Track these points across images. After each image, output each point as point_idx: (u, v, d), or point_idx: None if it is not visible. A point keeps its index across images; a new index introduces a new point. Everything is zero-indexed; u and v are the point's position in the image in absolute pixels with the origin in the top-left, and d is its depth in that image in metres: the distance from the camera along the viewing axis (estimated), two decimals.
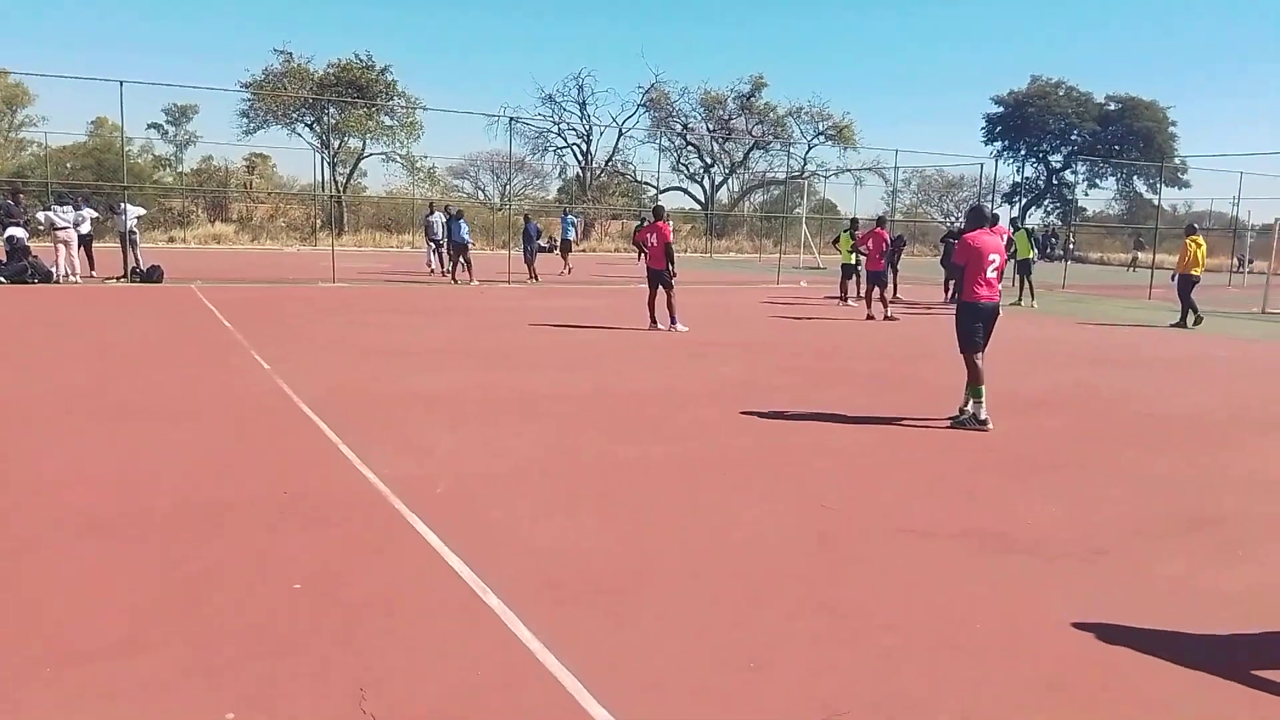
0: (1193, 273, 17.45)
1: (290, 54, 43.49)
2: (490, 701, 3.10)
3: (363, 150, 46.04)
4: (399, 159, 45.99)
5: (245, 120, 43.97)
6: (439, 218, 23.92)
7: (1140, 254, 41.92)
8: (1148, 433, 7.88)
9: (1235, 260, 39.01)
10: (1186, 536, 5.13)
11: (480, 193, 54.81)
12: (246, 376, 8.98)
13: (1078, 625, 3.88)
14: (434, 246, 23.94)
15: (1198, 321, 17.31)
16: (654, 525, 5.00)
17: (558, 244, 25.51)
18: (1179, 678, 3.44)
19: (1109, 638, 3.77)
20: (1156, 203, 43.27)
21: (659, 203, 16.01)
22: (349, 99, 40.97)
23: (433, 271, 23.70)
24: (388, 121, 44.68)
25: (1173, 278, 17.95)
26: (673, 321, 13.89)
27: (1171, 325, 17.52)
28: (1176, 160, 55.30)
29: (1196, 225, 19.11)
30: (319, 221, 41.39)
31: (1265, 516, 5.55)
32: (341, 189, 44.93)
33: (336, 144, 44.41)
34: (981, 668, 3.47)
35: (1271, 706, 3.26)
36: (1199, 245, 17.46)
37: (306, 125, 44.31)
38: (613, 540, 4.74)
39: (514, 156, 46.45)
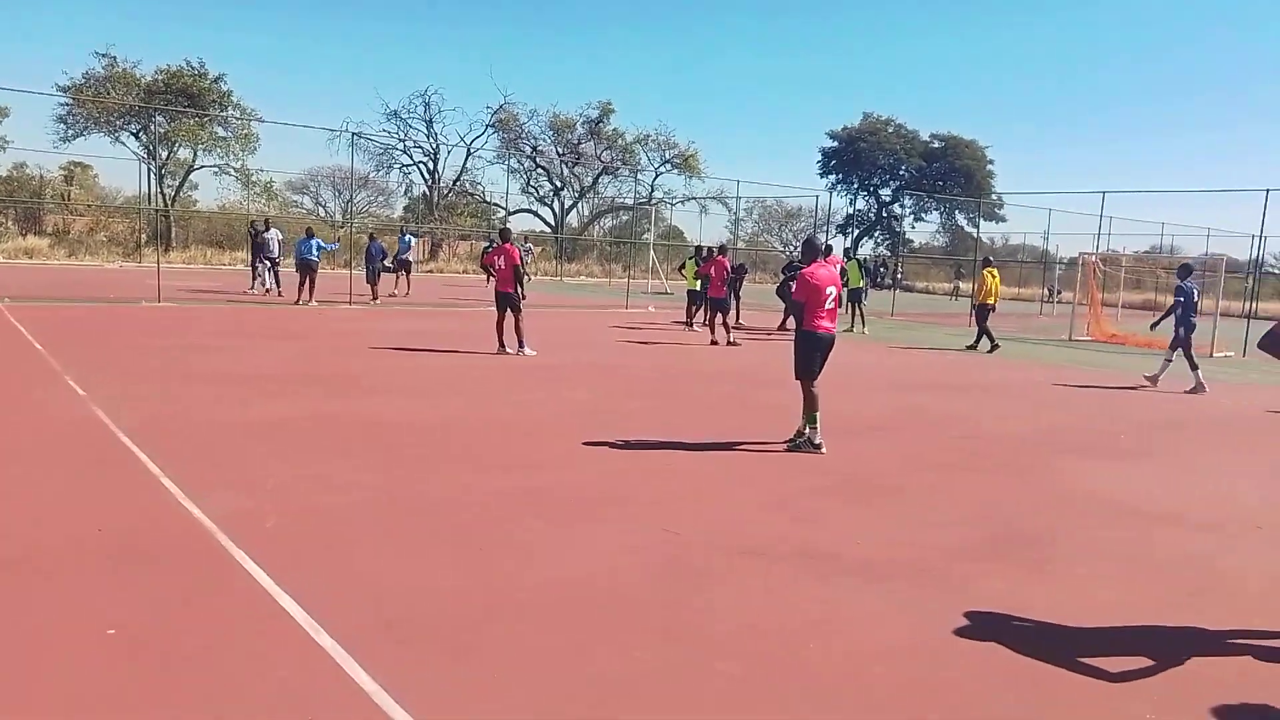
0: (988, 301, 18.96)
1: (114, 57, 40.95)
2: None
3: (193, 162, 43.80)
4: (233, 172, 44.02)
5: (63, 126, 41.04)
6: (274, 235, 23.09)
7: (961, 283, 44.71)
8: (969, 455, 8.39)
9: (1045, 290, 42.21)
10: (1005, 555, 5.48)
11: (321, 209, 53.11)
12: (59, 404, 8.34)
13: (907, 646, 4.07)
14: (269, 265, 23.01)
15: (993, 348, 18.61)
16: (499, 559, 4.94)
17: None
18: (1007, 695, 3.66)
19: (935, 656, 3.97)
20: (976, 235, 46.34)
21: (505, 225, 15.97)
22: (179, 108, 38.87)
23: (268, 291, 22.75)
24: (221, 133, 42.69)
25: (972, 306, 19.37)
26: (520, 345, 13.81)
27: (966, 348, 19.04)
28: (994, 196, 59.46)
29: (992, 258, 21.02)
30: (144, 236, 38.93)
31: (1074, 534, 6.00)
32: (170, 202, 42.51)
33: (165, 155, 42.02)
34: (817, 692, 3.59)
35: (1084, 715, 3.51)
36: (994, 276, 19.10)
37: (132, 134, 41.72)
38: (455, 575, 4.65)
39: (357, 173, 45.26)
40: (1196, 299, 14.32)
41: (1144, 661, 4.03)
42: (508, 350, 13.81)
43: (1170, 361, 14.40)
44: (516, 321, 13.78)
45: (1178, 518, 6.49)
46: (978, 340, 19.05)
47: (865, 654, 3.96)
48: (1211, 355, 20.74)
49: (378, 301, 22.65)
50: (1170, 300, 14.83)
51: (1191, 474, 8.13)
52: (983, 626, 4.33)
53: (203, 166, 44.20)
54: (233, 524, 5.15)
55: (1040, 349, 17.15)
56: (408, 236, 27.10)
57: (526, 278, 31.44)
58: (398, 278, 25.23)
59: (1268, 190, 21.82)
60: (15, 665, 3.45)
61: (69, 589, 4.19)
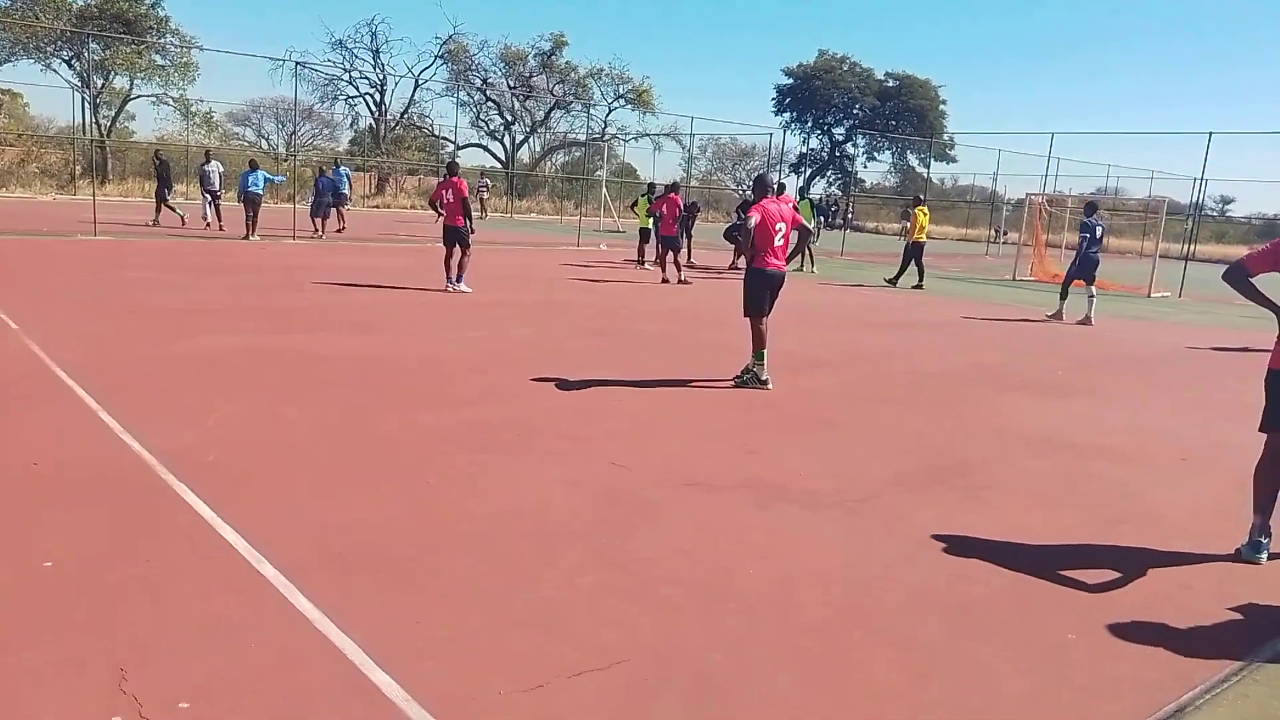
0: (920, 239, 19.60)
1: None
2: (266, 676, 3.01)
3: (130, 91, 42.14)
4: (171, 102, 42.54)
5: None
6: (215, 167, 22.43)
7: (908, 224, 45.06)
8: (910, 390, 8.57)
9: (993, 231, 42.74)
10: (940, 485, 5.64)
11: (264, 141, 51.56)
12: None
13: (840, 571, 4.21)
14: (210, 198, 22.40)
15: (919, 285, 19.36)
16: (443, 491, 4.97)
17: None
18: (932, 618, 3.81)
19: (870, 582, 4.11)
20: (926, 176, 46.61)
21: (454, 159, 15.63)
22: (114, 34, 37.25)
23: (208, 225, 22.18)
24: (159, 61, 41.05)
25: (904, 242, 20.29)
26: (458, 280, 13.66)
27: (886, 280, 19.85)
28: (946, 137, 59.71)
29: (922, 196, 21.85)
30: (79, 168, 37.61)
31: (1007, 466, 6.19)
32: (105, 133, 40.98)
33: (100, 83, 40.37)
34: (752, 614, 3.70)
35: (1021, 641, 3.67)
36: (925, 215, 19.78)
37: (64, 61, 39.92)
38: (399, 509, 4.67)
39: (300, 104, 43.93)
40: (1100, 235, 15.08)
41: (1068, 584, 4.21)
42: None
43: (1093, 297, 15.05)
44: (463, 256, 13.61)
45: (1107, 450, 6.72)
46: (899, 274, 19.83)
47: (799, 579, 4.08)
48: (1149, 295, 21.29)
49: (321, 236, 22.27)
50: (1107, 241, 15.41)
51: (1122, 409, 8.39)
52: (914, 553, 4.48)
53: (140, 96, 42.62)
54: (173, 458, 5.10)
55: (984, 288, 17.46)
56: (343, 169, 25.93)
57: (479, 214, 30.71)
58: (339, 213, 24.42)
59: (1210, 133, 22.21)
60: None
61: (5, 522, 4.14)
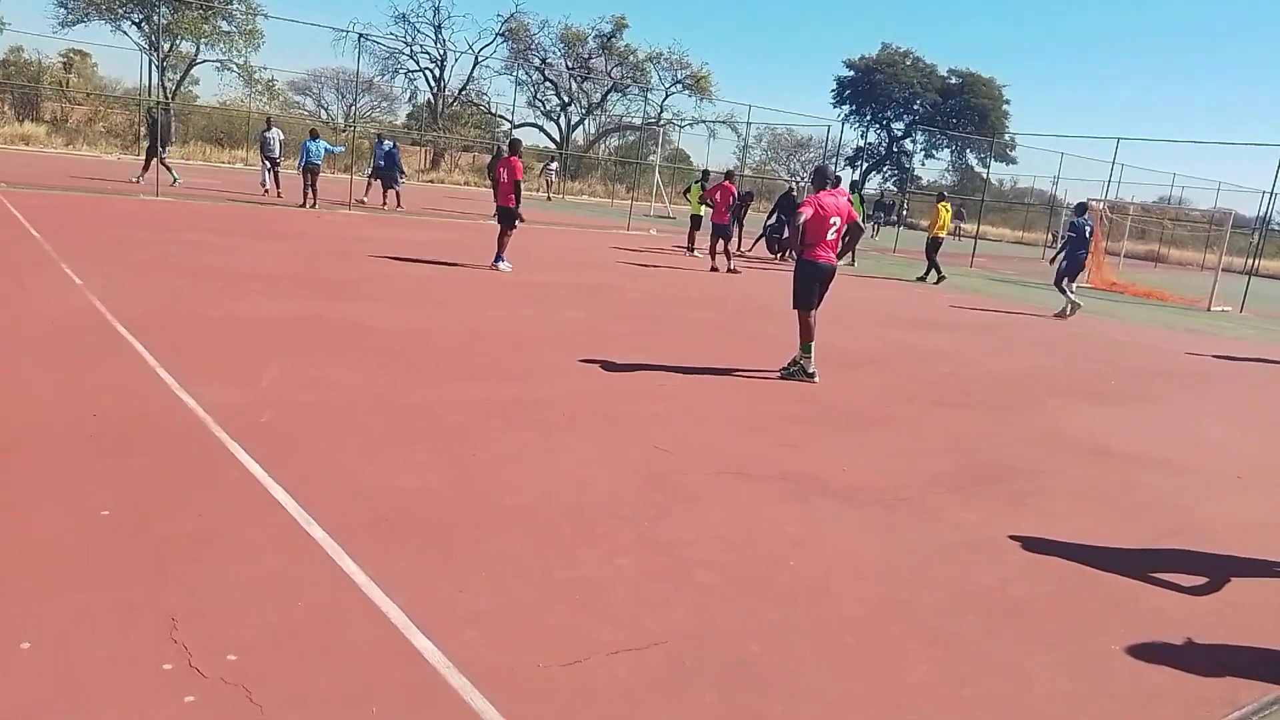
0: (939, 235, 19.82)
1: None
2: (311, 633, 3.08)
3: (195, 56, 42.87)
4: (235, 68, 43.17)
5: (63, 11, 40.05)
6: (276, 134, 22.71)
7: (962, 224, 44.31)
8: (956, 391, 8.47)
9: (1050, 236, 41.94)
10: (984, 488, 5.58)
11: (324, 111, 52.17)
12: (56, 292, 8.34)
13: (879, 567, 4.19)
14: (269, 165, 22.71)
15: (939, 280, 19.47)
16: (488, 464, 5.02)
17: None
18: (971, 617, 3.78)
19: (909, 579, 4.09)
20: (986, 176, 45.88)
21: (514, 137, 15.49)
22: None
23: (266, 192, 22.52)
24: (225, 27, 41.71)
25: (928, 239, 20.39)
26: (497, 258, 13.62)
27: (916, 279, 19.91)
28: (1007, 137, 58.65)
29: (946, 193, 22.26)
30: (143, 129, 38.37)
31: (1054, 473, 6.10)
32: (170, 96, 41.74)
33: (167, 47, 41.12)
34: (790, 605, 3.70)
35: (1061, 646, 3.63)
36: (947, 210, 20.08)
37: (134, 23, 40.72)
38: (445, 478, 4.73)
39: (361, 76, 44.41)
40: (1089, 235, 15.77)
41: (1111, 595, 4.15)
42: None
43: (1074, 296, 15.52)
44: (502, 234, 13.56)
45: (1159, 462, 6.60)
46: (927, 272, 19.91)
47: (838, 572, 4.07)
48: (1209, 309, 20.79)
49: (385, 207, 22.54)
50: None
51: (1177, 421, 8.22)
52: (955, 553, 4.44)
53: (205, 61, 43.33)
54: (227, 417, 5.22)
55: (1039, 293, 17.17)
56: (386, 143, 24.19)
57: (546, 197, 30.46)
58: (372, 184, 23.69)
59: None
60: (11, 539, 3.54)
61: (65, 472, 4.27)
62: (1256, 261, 28.54)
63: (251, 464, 4.56)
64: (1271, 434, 8.12)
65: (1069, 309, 15.43)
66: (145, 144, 22.31)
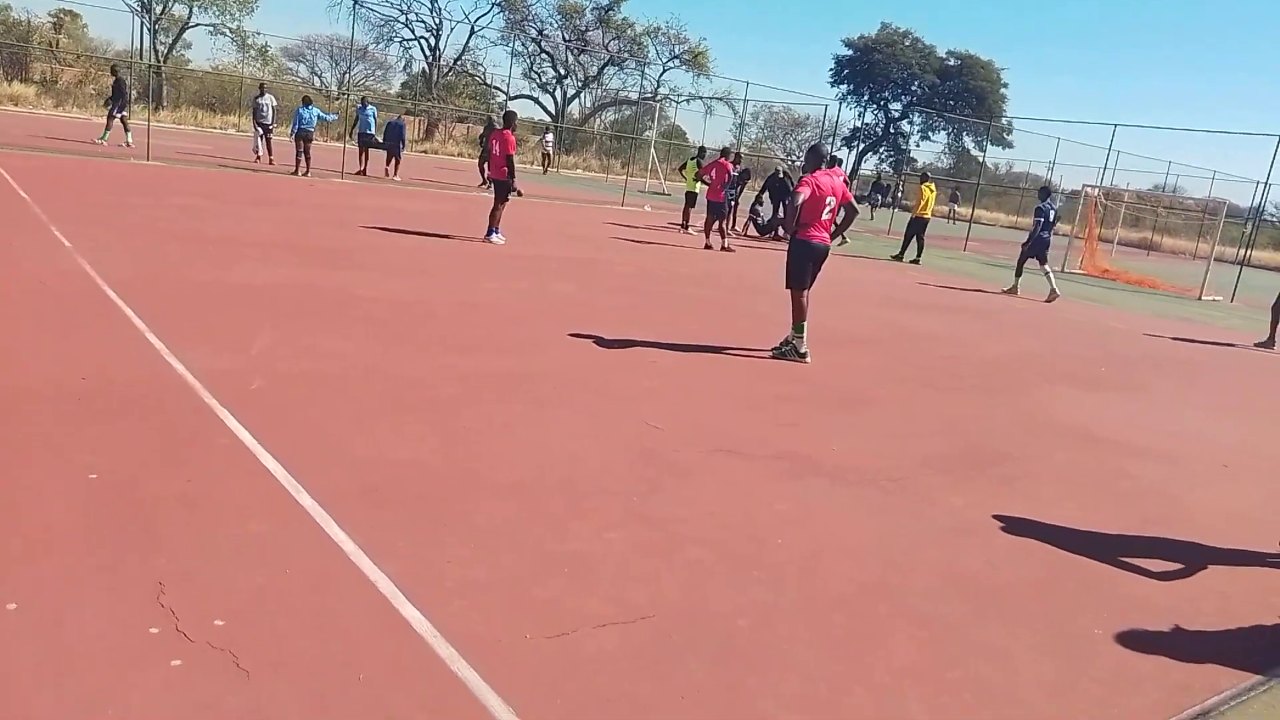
0: (924, 215, 20.05)
1: None
2: (299, 600, 3.07)
3: (188, 19, 42.47)
4: (228, 32, 42.81)
5: None
6: (269, 100, 22.48)
7: (957, 206, 44.30)
8: (948, 374, 8.48)
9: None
10: (975, 471, 5.60)
11: (317, 78, 51.68)
12: (44, 254, 8.26)
13: (869, 548, 4.20)
14: (262, 131, 22.49)
15: (915, 260, 19.81)
16: (479, 437, 5.01)
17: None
18: (958, 600, 3.80)
19: (899, 561, 4.10)
20: (981, 159, 45.84)
21: (507, 109, 15.30)
22: None
23: (259, 159, 22.31)
24: None
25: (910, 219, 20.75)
26: (491, 231, 13.54)
27: (892, 257, 20.17)
28: (1004, 121, 58.49)
29: (929, 173, 22.42)
30: (134, 93, 37.94)
31: (1042, 458, 6.12)
32: (162, 59, 41.30)
33: (159, 9, 40.63)
34: (779, 583, 3.71)
35: (1046, 630, 3.65)
36: (931, 191, 20.28)
37: None
38: (436, 449, 4.72)
39: (356, 43, 43.95)
40: (1053, 219, 16.13)
41: (1096, 581, 4.17)
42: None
43: (1050, 275, 15.89)
44: (495, 207, 13.45)
45: (1147, 450, 6.63)
46: (903, 250, 20.22)
47: (828, 552, 4.08)
48: (1200, 298, 20.87)
49: (389, 176, 22.85)
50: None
51: (1165, 409, 8.26)
52: (945, 535, 4.46)
53: (198, 24, 43.00)
54: (216, 382, 5.19)
55: (1029, 279, 17.19)
56: (369, 109, 24.28)
57: (543, 170, 30.48)
58: (363, 155, 23.73)
59: (1279, 136, 21.53)
60: (4, 505, 3.52)
61: (53, 434, 4.24)
62: (1249, 252, 28.63)
63: (241, 430, 4.54)
64: (1258, 423, 8.17)
65: (1051, 290, 15.70)
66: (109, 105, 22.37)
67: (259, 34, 45.17)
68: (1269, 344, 13.29)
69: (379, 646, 2.87)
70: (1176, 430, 7.43)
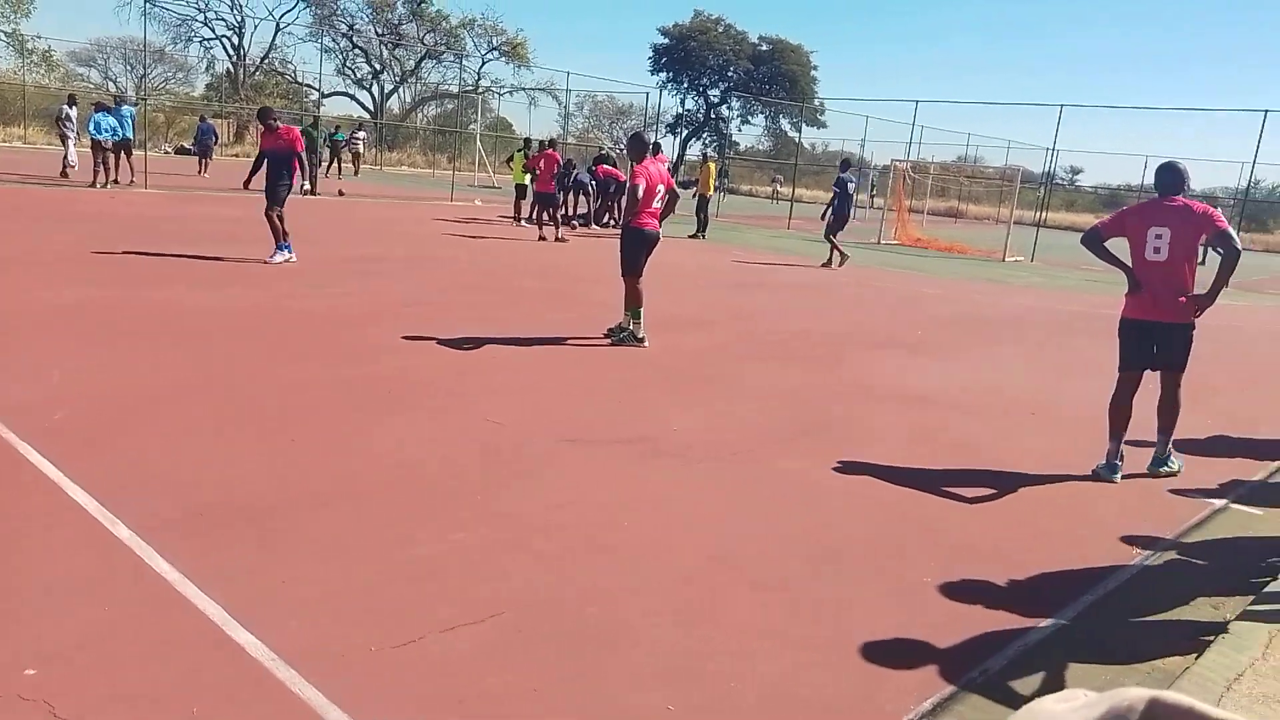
0: (706, 194, 21.58)
1: None
2: (122, 638, 2.87)
3: None
4: (5, 38, 39.26)
5: None
6: (73, 111, 20.91)
7: (779, 187, 45.82)
8: (778, 348, 8.79)
9: (859, 196, 43.94)
10: (808, 438, 5.83)
11: (111, 84, 48.15)
12: None
13: (713, 520, 4.31)
14: (72, 143, 20.83)
15: (700, 234, 20.84)
16: (312, 449, 4.82)
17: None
18: (797, 562, 3.95)
19: (741, 530, 4.22)
20: (798, 140, 47.50)
21: (264, 105, 13.34)
22: None
23: (74, 168, 20.58)
24: None
25: (693, 195, 21.80)
26: (278, 249, 11.10)
27: (689, 236, 20.74)
28: (816, 102, 60.85)
29: (712, 154, 25.43)
30: None
31: (867, 419, 6.44)
32: None
33: None
34: (627, 565, 3.76)
35: (878, 582, 3.84)
36: (713, 170, 22.34)
37: None
38: (264, 466, 4.51)
39: (151, 45, 41.20)
40: (852, 191, 17.12)
41: (926, 530, 4.43)
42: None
43: (842, 248, 16.78)
44: (268, 211, 11.10)
45: (962, 405, 7.07)
46: (700, 229, 21.10)
47: (675, 528, 4.16)
48: (1004, 260, 22.41)
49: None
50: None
51: (977, 367, 8.84)
52: (782, 503, 4.63)
53: None
54: (15, 417, 4.77)
55: (851, 251, 18.01)
56: (125, 109, 20.90)
57: (355, 171, 29.85)
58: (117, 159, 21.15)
59: (1061, 105, 23.39)
60: None
61: None
62: (1044, 214, 30.94)
63: (46, 465, 4.20)
64: (1060, 373, 8.86)
65: (837, 260, 16.59)
66: None
67: (39, 37, 41.72)
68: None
69: (214, 677, 2.73)
70: (988, 385, 7.96)
